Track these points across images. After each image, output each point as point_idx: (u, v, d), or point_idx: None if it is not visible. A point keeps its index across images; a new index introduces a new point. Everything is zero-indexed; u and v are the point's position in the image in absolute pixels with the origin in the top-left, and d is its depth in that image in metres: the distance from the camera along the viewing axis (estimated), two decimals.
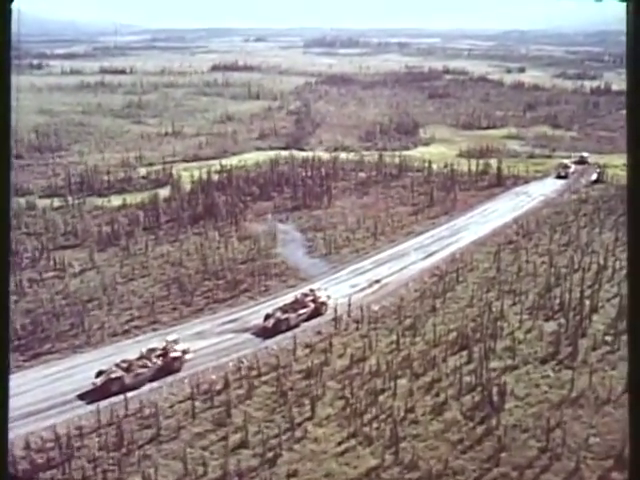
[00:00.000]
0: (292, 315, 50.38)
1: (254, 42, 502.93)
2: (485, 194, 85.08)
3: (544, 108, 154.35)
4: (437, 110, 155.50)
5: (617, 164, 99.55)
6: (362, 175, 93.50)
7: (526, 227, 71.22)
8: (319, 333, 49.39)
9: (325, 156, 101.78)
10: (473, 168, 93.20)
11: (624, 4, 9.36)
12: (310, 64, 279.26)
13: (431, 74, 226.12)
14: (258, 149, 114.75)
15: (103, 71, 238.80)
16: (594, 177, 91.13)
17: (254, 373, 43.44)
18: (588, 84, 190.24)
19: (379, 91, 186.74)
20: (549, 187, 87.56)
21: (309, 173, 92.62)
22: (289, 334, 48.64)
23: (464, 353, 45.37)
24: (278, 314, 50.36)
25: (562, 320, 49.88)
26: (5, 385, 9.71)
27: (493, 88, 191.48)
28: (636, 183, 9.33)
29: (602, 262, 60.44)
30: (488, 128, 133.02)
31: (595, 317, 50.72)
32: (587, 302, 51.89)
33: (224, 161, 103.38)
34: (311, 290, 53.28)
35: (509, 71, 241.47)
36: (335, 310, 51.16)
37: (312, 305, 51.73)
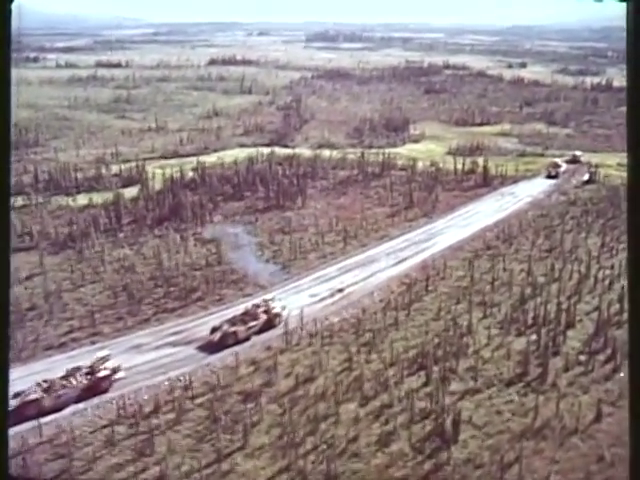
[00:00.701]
0: (241, 328, 46.35)
1: (257, 36, 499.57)
2: (469, 195, 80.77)
3: (542, 104, 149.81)
4: (431, 106, 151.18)
5: (611, 163, 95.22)
6: (343, 174, 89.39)
7: (508, 231, 66.91)
8: (268, 349, 45.29)
9: (307, 154, 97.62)
10: (460, 167, 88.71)
11: (624, 4, 9.30)
12: (309, 58, 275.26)
13: (430, 69, 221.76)
14: (241, 146, 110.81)
15: (98, 65, 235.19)
16: (586, 177, 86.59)
17: (189, 394, 39.26)
18: (589, 80, 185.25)
19: (374, 86, 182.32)
20: (537, 187, 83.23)
21: (288, 171, 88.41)
22: (236, 349, 44.40)
23: (422, 373, 41.13)
24: (225, 327, 46.36)
25: (534, 336, 45.51)
26: (5, 385, 9.28)
27: (492, 83, 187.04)
28: (636, 183, 9.23)
29: (584, 271, 56.19)
30: (482, 125, 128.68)
31: (571, 333, 46.50)
32: (564, 316, 47.55)
33: (203, 158, 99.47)
34: (264, 300, 49.16)
35: (510, 66, 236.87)
36: (287, 323, 46.99)
37: (264, 317, 47.70)
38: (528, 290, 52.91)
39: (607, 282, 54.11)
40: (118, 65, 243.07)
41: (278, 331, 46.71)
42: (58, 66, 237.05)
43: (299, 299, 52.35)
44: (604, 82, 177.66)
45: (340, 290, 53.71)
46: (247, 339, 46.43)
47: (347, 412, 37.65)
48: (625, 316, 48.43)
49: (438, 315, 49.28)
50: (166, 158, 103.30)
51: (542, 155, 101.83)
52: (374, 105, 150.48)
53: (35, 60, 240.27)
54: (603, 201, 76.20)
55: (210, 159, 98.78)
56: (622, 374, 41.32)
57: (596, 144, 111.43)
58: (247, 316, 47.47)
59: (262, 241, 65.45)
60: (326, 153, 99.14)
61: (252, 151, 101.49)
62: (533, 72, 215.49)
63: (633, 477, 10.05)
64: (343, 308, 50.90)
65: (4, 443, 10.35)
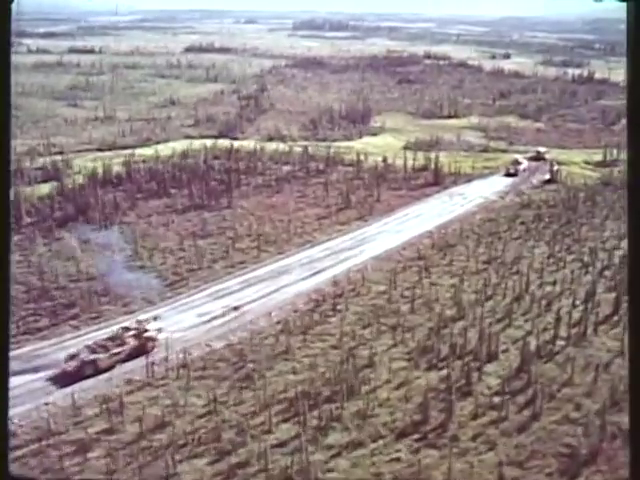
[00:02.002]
0: (102, 355, 38.89)
1: (244, 24, 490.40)
2: (416, 195, 73.37)
3: (517, 96, 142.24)
4: (401, 97, 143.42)
5: (577, 161, 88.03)
6: (285, 169, 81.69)
7: (447, 238, 59.61)
8: (129, 382, 37.63)
9: (251, 147, 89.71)
10: (414, 163, 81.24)
11: (624, 4, 9.99)
12: (289, 47, 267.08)
13: (411, 59, 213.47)
14: (186, 137, 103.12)
15: (71, 51, 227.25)
16: (547, 176, 78.97)
17: (12, 442, 31.72)
18: (572, 72, 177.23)
19: (347, 76, 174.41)
20: (492, 187, 75.85)
21: (226, 166, 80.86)
22: (88, 382, 36.95)
23: (297, 419, 33.60)
24: (84, 354, 38.95)
25: (447, 371, 38.01)
26: (5, 385, 9.65)
27: (470, 74, 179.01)
28: (636, 182, 9.50)
29: (524, 286, 48.77)
30: (450, 117, 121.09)
31: (491, 367, 39.18)
32: (487, 345, 40.16)
33: (141, 150, 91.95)
34: (138, 321, 41.63)
35: (493, 57, 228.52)
36: (167, 348, 39.65)
37: (133, 342, 40.17)
38: (452, 311, 45.46)
39: (545, 302, 46.56)
40: (91, 51, 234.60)
41: (143, 361, 39.08)
42: (29, 51, 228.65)
43: (185, 319, 44.86)
44: (586, 74, 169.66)
45: (235, 308, 46.40)
46: (111, 368, 38.84)
47: (192, 471, 30.18)
48: (559, 345, 41.18)
49: (340, 342, 41.84)
50: (102, 150, 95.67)
51: (506, 151, 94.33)
52: (341, 95, 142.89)
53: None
54: (560, 204, 68.90)
55: (147, 152, 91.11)
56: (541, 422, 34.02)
57: (566, 139, 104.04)
58: (112, 341, 40.13)
59: (169, 247, 57.73)
60: (272, 146, 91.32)
61: (194, 143, 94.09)
62: (515, 63, 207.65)
63: (633, 477, 9.92)
64: (232, 331, 43.57)
65: (4, 443, 10.22)
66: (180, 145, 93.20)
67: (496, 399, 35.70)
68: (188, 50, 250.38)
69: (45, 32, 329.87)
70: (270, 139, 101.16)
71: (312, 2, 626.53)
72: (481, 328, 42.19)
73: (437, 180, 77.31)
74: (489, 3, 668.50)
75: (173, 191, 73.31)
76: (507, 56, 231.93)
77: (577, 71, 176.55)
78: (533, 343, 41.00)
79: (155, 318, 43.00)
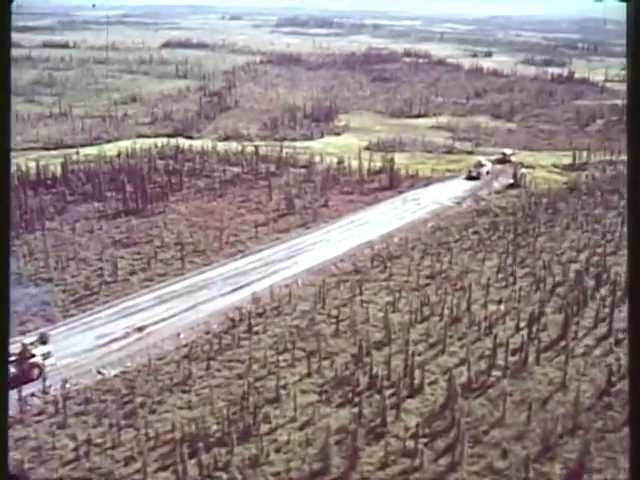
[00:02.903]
0: None
1: (229, 20, 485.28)
2: (367, 199, 68.61)
3: (492, 95, 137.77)
4: (373, 94, 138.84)
5: (545, 164, 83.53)
6: (234, 171, 76.77)
7: (390, 249, 54.85)
8: None
9: (202, 146, 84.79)
10: (372, 165, 76.53)
11: (624, 4, 9.01)
12: (269, 43, 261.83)
13: (389, 56, 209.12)
14: (139, 136, 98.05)
15: (45, 45, 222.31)
16: (511, 180, 74.30)
17: None
18: (552, 71, 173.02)
19: (322, 73, 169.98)
20: (450, 192, 71.16)
21: (172, 167, 75.94)
22: None
23: (180, 468, 28.67)
24: None
25: (359, 408, 33.19)
26: (4, 385, 8.85)
27: (448, 72, 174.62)
28: (636, 182, 8.34)
29: (465, 306, 43.89)
30: (419, 116, 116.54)
31: (412, 403, 34.39)
32: (414, 375, 35.40)
33: (86, 150, 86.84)
34: (23, 344, 36.58)
35: (475, 55, 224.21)
36: (34, 378, 34.81)
37: (14, 369, 35.15)
38: (380, 334, 40.67)
39: (486, 324, 41.78)
40: (65, 46, 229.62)
41: (23, 392, 34.08)
42: None
43: (82, 341, 39.89)
44: (566, 73, 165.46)
45: (140, 329, 41.35)
46: None
47: None
48: (494, 376, 36.43)
49: (248, 370, 37.00)
50: (47, 149, 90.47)
51: (472, 152, 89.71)
52: (311, 93, 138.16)
53: None
54: (520, 211, 64.24)
55: (93, 151, 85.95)
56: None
57: (537, 141, 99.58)
58: None
59: (87, 257, 52.72)
60: (224, 146, 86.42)
61: (145, 142, 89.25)
62: (496, 62, 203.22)
63: (633, 477, 8.89)
64: (130, 356, 38.52)
65: (4, 443, 9.11)
66: (130, 144, 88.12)
67: (412, 443, 30.73)
68: (165, 46, 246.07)
69: (23, 26, 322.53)
70: (226, 138, 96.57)
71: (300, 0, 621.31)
72: (408, 355, 37.28)
73: (392, 184, 72.60)
74: (478, 2, 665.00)
75: (109, 194, 68.46)
76: (489, 54, 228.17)
77: (557, 70, 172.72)
78: (465, 374, 36.05)
79: (43, 341, 37.87)
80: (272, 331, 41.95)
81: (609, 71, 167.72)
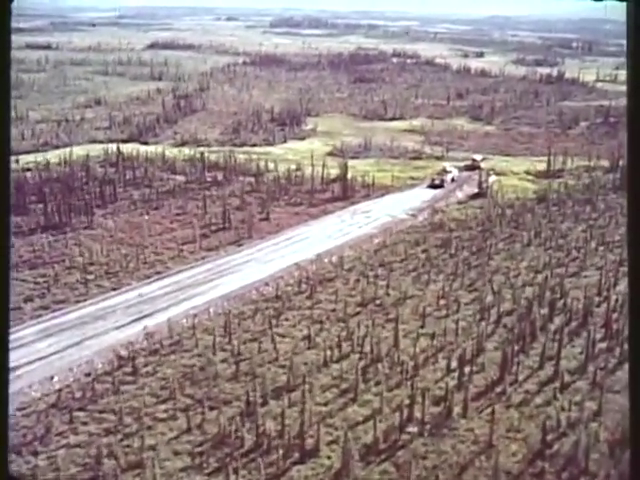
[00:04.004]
0: None
1: (224, 21, 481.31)
2: (314, 212, 62.62)
3: (475, 97, 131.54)
4: (350, 96, 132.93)
5: (518, 170, 77.48)
6: (178, 180, 70.60)
7: (324, 270, 48.82)
8: None
9: (149, 152, 78.79)
10: (327, 173, 70.49)
11: (624, 4, 8.76)
12: (257, 44, 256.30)
13: (377, 57, 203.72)
14: (92, 141, 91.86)
15: (28, 46, 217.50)
16: (476, 189, 68.14)
17: None
18: (542, 71, 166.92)
19: (303, 74, 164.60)
20: (408, 202, 65.15)
21: (112, 176, 69.96)
22: None
23: None
24: None
25: (236, 477, 27.07)
26: (5, 384, 8.72)
27: (434, 73, 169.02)
28: (636, 184, 8.28)
29: (392, 341, 37.73)
30: (393, 119, 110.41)
31: (301, 470, 28.03)
32: (312, 432, 29.41)
33: (30, 157, 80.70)
34: None
35: (466, 55, 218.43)
36: None
37: None
38: (285, 378, 34.43)
39: (412, 364, 35.61)
40: (48, 47, 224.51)
41: None
42: None
43: None
44: (555, 73, 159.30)
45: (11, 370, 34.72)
46: None
47: None
48: (407, 434, 30.25)
49: (118, 425, 30.79)
50: None
51: (441, 158, 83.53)
52: (286, 94, 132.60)
53: None
54: (478, 225, 58.01)
55: (37, 158, 79.96)
56: None
57: (514, 145, 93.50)
58: None
59: None
60: (175, 153, 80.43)
61: (94, 149, 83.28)
62: (486, 62, 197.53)
63: (633, 477, 8.54)
64: None
65: (4, 443, 9.10)
66: (76, 151, 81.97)
67: None
68: (151, 47, 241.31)
69: (13, 27, 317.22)
70: (183, 144, 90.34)
71: (300, 0, 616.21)
72: (311, 407, 31.14)
73: (346, 194, 66.55)
74: (478, 2, 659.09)
75: (34, 207, 62.30)
76: (480, 55, 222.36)
77: (547, 70, 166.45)
78: (370, 433, 29.88)
79: None
80: (163, 372, 35.88)
81: (601, 71, 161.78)
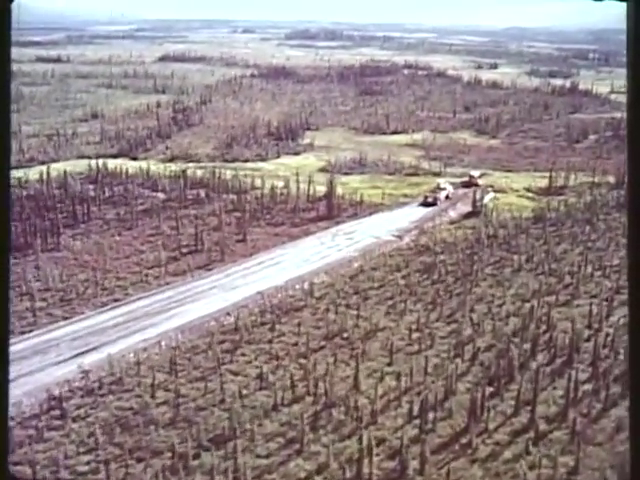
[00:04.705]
0: None
1: (241, 33, 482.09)
2: (296, 232, 59.28)
3: (483, 109, 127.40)
4: (354, 109, 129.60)
5: (517, 187, 73.52)
6: (160, 197, 67.45)
7: (293, 299, 45.17)
8: None
9: (135, 168, 75.86)
10: (314, 190, 67.09)
11: (624, 4, 8.68)
12: (269, 56, 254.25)
13: (388, 68, 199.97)
14: (80, 157, 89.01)
15: (38, 59, 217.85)
16: (470, 207, 64.33)
17: None
18: (554, 82, 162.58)
19: (310, 86, 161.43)
20: (395, 222, 61.44)
21: (91, 194, 66.98)
22: None
23: None
24: None
25: None
26: (5, 384, 8.80)
27: (444, 85, 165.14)
28: (636, 186, 8.39)
29: (351, 382, 33.88)
30: (395, 133, 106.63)
31: None
32: None
33: (13, 172, 77.43)
34: None
35: (479, 67, 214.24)
36: None
37: None
38: (226, 425, 30.71)
39: (371, 410, 31.83)
40: (58, 60, 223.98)
41: None
42: None
43: None
44: (568, 84, 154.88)
45: None
46: None
47: None
48: None
49: None
50: None
51: (438, 174, 79.86)
52: (289, 108, 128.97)
53: None
54: (468, 248, 54.09)
55: (18, 174, 77.10)
56: None
57: (518, 160, 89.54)
58: None
59: None
60: (160, 169, 77.34)
61: (77, 165, 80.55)
62: (499, 73, 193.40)
63: (634, 477, 8.34)
64: None
65: (4, 443, 8.73)
66: (59, 167, 79.14)
67: None
68: (161, 59, 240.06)
69: (27, 41, 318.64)
70: (172, 159, 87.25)
71: (321, 12, 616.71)
72: (248, 460, 27.51)
73: (331, 213, 62.92)
74: (496, 14, 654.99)
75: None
76: (494, 66, 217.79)
77: (560, 82, 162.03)
78: None
79: None
80: (94, 416, 32.42)
81: (615, 82, 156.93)
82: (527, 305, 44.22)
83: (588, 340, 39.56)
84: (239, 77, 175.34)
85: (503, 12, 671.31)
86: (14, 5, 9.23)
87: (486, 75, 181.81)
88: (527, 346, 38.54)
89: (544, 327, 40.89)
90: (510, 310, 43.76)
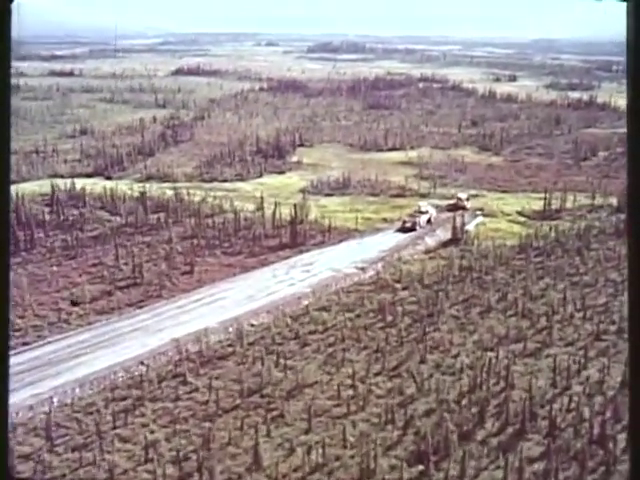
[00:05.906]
0: None
1: (264, 46, 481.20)
2: (251, 263, 53.58)
3: (490, 124, 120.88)
4: (355, 124, 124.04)
5: (509, 211, 67.12)
6: (118, 221, 62.32)
7: (219, 345, 39.18)
8: None
9: (98, 189, 70.95)
10: (280, 215, 61.51)
11: (624, 4, 7.95)
12: (285, 69, 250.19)
13: (402, 81, 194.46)
14: (52, 176, 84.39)
15: (51, 73, 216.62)
16: (448, 235, 58.23)
17: None
18: (572, 95, 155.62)
19: (317, 100, 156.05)
20: (362, 252, 55.36)
21: (42, 217, 62.13)
22: None
23: None
24: None
25: None
26: (5, 383, 8.31)
27: (457, 98, 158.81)
28: (636, 189, 7.88)
29: (250, 457, 28.12)
30: (392, 149, 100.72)
31: None
32: None
33: None
34: None
35: (498, 79, 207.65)
36: None
37: None
38: None
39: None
40: (70, 74, 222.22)
41: None
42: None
43: None
44: (586, 97, 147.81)
45: None
46: None
47: None
48: None
49: None
50: None
51: (426, 195, 73.86)
52: (287, 123, 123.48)
53: None
54: (436, 284, 47.89)
55: None
56: None
57: (517, 179, 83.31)
58: None
59: None
60: (124, 188, 72.35)
61: (42, 185, 75.98)
62: (517, 86, 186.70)
63: (633, 477, 7.88)
64: None
65: (4, 443, 8.21)
66: (23, 188, 74.43)
67: None
68: (175, 73, 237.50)
69: (46, 55, 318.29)
70: (148, 179, 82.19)
71: (349, 25, 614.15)
72: None
73: (295, 240, 57.09)
74: (525, 25, 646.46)
75: None
76: (513, 78, 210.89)
77: (578, 95, 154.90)
78: None
79: None
80: None
81: None
82: (487, 356, 37.95)
83: (550, 402, 33.24)
84: (246, 91, 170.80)
85: (534, 22, 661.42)
86: (14, 5, 8.75)
87: (502, 88, 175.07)
88: (474, 410, 32.30)
89: (500, 385, 34.57)
90: (465, 363, 37.65)
